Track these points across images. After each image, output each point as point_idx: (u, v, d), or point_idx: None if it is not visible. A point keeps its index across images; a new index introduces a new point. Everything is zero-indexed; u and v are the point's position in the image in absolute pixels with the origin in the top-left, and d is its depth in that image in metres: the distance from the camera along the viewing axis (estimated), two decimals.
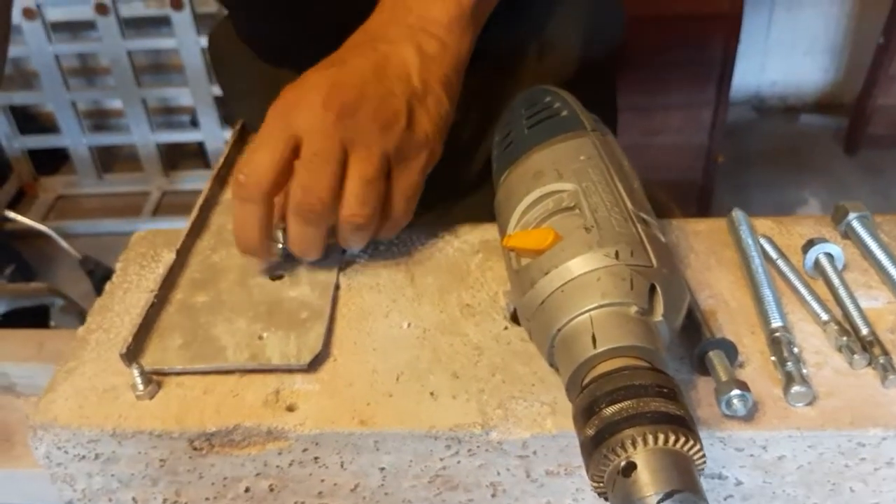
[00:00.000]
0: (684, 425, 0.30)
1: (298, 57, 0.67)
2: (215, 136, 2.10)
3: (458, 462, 0.39)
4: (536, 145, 0.43)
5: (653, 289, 0.35)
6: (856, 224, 0.47)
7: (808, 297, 0.43)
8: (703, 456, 0.30)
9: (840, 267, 0.45)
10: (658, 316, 0.35)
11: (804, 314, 0.43)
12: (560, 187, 0.40)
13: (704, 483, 0.32)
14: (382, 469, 0.40)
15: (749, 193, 1.97)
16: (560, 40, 0.65)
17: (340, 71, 0.43)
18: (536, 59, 0.65)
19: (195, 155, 2.24)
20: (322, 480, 0.41)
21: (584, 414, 0.32)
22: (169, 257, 0.47)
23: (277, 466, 0.40)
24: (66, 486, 0.42)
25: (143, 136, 2.10)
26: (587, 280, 0.35)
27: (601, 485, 0.30)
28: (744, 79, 2.30)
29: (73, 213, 2.20)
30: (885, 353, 0.40)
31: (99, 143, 2.19)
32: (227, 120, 2.04)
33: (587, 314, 0.34)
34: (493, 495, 0.40)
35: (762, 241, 0.47)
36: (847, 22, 2.25)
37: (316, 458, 0.40)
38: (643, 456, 0.29)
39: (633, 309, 0.34)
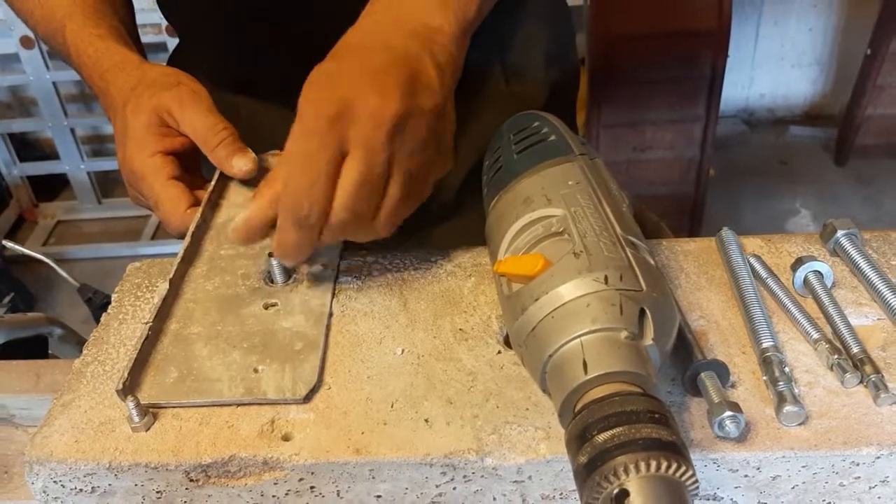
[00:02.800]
0: (676, 451, 0.30)
1: (255, 85, 0.67)
2: None
3: (454, 488, 0.39)
4: (525, 171, 0.44)
5: (642, 312, 0.36)
6: (844, 241, 0.48)
7: (799, 316, 0.43)
8: (696, 481, 0.30)
9: (829, 285, 0.45)
10: (648, 340, 0.35)
11: (795, 333, 0.43)
12: (549, 213, 0.41)
13: None
14: (379, 497, 0.40)
15: (741, 205, 1.98)
16: (525, 65, 0.66)
17: (384, 84, 0.41)
18: (504, 84, 0.66)
19: None
20: None
21: (577, 441, 0.32)
22: (163, 287, 0.47)
23: (274, 496, 0.40)
24: None
25: None
26: (577, 306, 0.35)
27: None
28: (733, 92, 2.32)
29: (73, 238, 2.21)
30: (877, 371, 0.40)
31: (98, 168, 2.20)
32: None
33: (578, 340, 0.35)
34: None
35: (751, 259, 0.47)
36: (834, 34, 2.28)
37: (312, 488, 0.40)
38: (636, 483, 0.29)
39: (624, 334, 0.35)
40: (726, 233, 0.49)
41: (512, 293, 0.39)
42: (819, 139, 2.28)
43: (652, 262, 0.39)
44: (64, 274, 0.88)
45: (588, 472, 0.30)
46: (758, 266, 0.47)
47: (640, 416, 0.31)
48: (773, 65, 2.33)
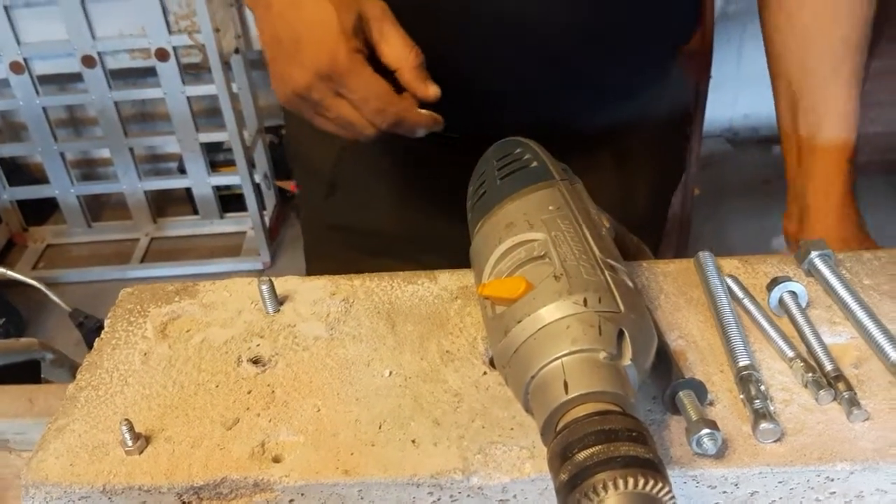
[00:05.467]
0: (654, 468, 0.31)
1: None
2: (202, 181, 2.12)
3: None
4: (508, 196, 0.45)
5: (621, 333, 0.37)
6: (818, 262, 0.49)
7: (774, 335, 0.45)
8: (673, 498, 0.31)
9: (804, 304, 0.47)
10: (627, 360, 0.37)
11: (771, 352, 0.45)
12: (531, 237, 0.42)
13: None
14: None
15: (726, 224, 2.01)
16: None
17: None
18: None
19: (183, 200, 2.26)
20: None
21: (558, 459, 0.33)
22: None
23: None
24: None
25: (131, 184, 2.12)
26: (557, 327, 0.37)
27: None
28: (716, 112, 2.36)
29: (63, 261, 2.21)
30: (850, 388, 0.41)
31: (87, 192, 2.21)
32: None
33: (559, 361, 0.36)
34: None
35: (729, 280, 0.49)
36: None
37: None
38: (615, 500, 0.30)
39: (603, 354, 0.36)
40: (704, 255, 0.50)
41: (496, 315, 0.40)
42: None
43: (630, 284, 0.40)
44: (55, 298, 0.89)
45: (569, 489, 0.31)
46: (735, 286, 0.48)
47: (618, 434, 0.32)
48: (757, 84, 2.36)
